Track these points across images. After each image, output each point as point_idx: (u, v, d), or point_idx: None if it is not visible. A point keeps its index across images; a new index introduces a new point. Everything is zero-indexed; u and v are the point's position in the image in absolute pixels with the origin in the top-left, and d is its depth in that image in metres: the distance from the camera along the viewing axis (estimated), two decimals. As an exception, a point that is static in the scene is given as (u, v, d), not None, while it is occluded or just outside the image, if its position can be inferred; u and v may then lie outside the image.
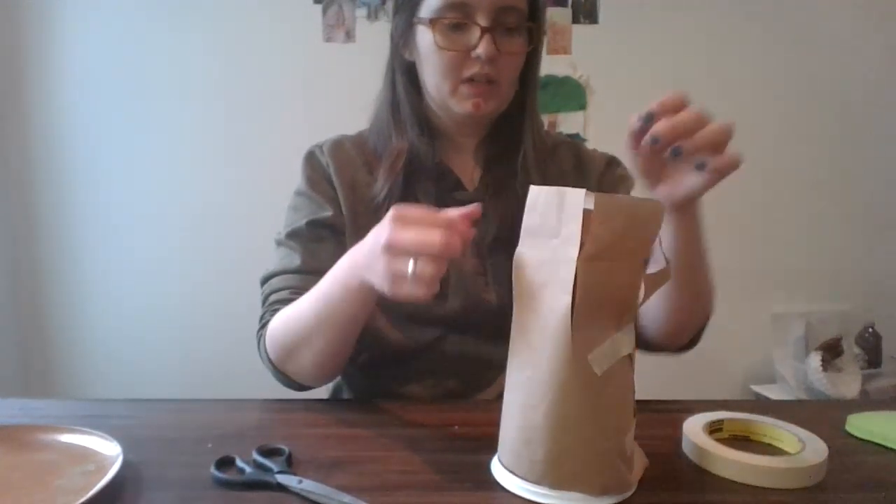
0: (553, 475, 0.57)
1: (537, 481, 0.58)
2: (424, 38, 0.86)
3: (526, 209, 0.60)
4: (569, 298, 0.55)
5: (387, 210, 0.88)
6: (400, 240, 0.60)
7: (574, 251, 0.55)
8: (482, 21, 0.82)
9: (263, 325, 0.87)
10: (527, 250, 0.59)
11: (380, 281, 0.63)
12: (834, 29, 2.10)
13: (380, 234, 0.62)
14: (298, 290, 0.86)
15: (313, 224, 0.91)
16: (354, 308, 0.73)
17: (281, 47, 2.04)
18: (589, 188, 0.56)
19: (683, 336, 0.88)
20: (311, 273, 0.87)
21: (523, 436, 0.59)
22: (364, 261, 0.66)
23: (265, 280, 0.91)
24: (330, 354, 0.79)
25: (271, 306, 0.87)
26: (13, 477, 0.61)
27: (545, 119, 2.06)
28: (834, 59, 2.11)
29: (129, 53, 2.03)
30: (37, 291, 2.12)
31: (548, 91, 2.05)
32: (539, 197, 0.58)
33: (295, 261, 0.89)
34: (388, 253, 0.61)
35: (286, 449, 0.66)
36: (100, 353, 2.14)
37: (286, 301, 0.85)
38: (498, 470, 0.62)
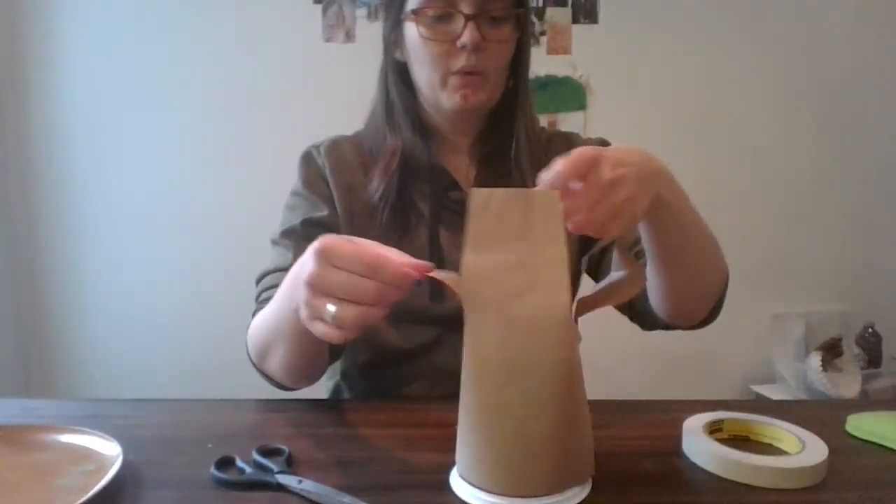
0: (556, 480, 0.57)
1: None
2: (411, 32, 0.86)
3: (472, 213, 0.55)
4: (566, 297, 0.54)
5: (383, 211, 0.90)
6: (324, 281, 0.54)
7: (561, 251, 0.54)
8: (466, 9, 0.82)
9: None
10: (484, 256, 0.54)
11: (301, 312, 0.58)
12: (834, 28, 2.10)
13: (305, 263, 0.57)
14: None
15: (308, 223, 0.91)
16: (298, 328, 0.64)
17: (281, 47, 2.04)
18: None
19: (699, 312, 0.83)
20: None
21: (529, 448, 0.55)
22: (292, 283, 0.63)
23: (259, 278, 0.92)
24: (294, 362, 0.76)
25: (261, 305, 0.86)
26: (13, 477, 0.61)
27: (545, 119, 2.06)
28: (834, 58, 2.11)
29: (129, 53, 2.03)
30: (37, 291, 2.12)
31: (548, 91, 2.05)
32: (492, 199, 0.55)
33: (288, 259, 0.88)
34: (310, 290, 0.55)
35: (286, 449, 0.66)
36: (100, 353, 2.14)
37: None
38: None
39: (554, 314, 0.54)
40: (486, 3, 0.83)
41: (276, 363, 0.77)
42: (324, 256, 0.55)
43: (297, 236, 0.90)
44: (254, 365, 0.83)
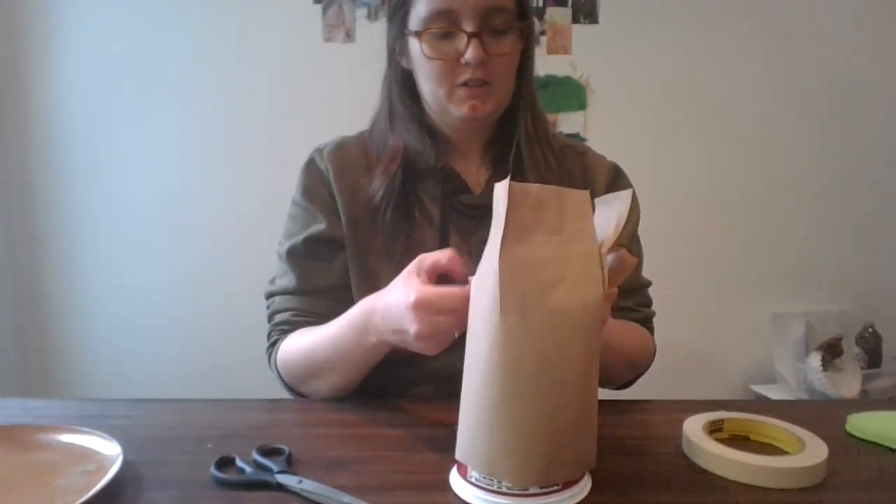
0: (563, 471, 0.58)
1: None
2: (415, 48, 0.86)
3: (509, 206, 0.55)
4: (600, 289, 0.55)
5: (384, 212, 0.90)
6: (435, 331, 0.65)
7: (592, 246, 0.56)
8: (468, 27, 0.82)
9: (273, 344, 0.91)
10: (520, 248, 0.56)
11: (424, 350, 0.68)
12: (836, 29, 2.10)
13: (404, 320, 0.66)
14: (299, 312, 0.91)
15: (308, 241, 0.92)
16: (369, 357, 0.80)
17: (281, 47, 2.04)
18: (596, 197, 0.57)
19: (609, 387, 0.94)
20: (307, 294, 0.92)
21: (560, 437, 0.56)
22: (385, 326, 0.72)
23: (269, 295, 0.95)
24: (345, 386, 0.85)
25: (277, 326, 0.92)
26: (13, 477, 0.61)
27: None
28: (835, 59, 2.11)
29: (129, 53, 2.03)
30: (37, 291, 2.12)
31: (548, 91, 2.05)
32: (528, 193, 0.56)
33: (293, 282, 0.92)
34: (425, 341, 0.66)
35: (286, 449, 0.66)
36: (100, 353, 2.14)
37: (290, 322, 0.90)
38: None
39: (588, 305, 0.55)
40: (489, 19, 0.83)
41: (322, 387, 0.85)
42: (423, 309, 0.65)
43: (299, 256, 0.93)
44: (286, 385, 0.90)
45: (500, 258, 0.55)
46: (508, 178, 0.57)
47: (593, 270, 0.56)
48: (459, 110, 0.86)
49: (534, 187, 0.57)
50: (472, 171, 0.95)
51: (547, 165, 0.92)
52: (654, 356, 0.97)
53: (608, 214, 0.61)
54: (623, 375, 0.94)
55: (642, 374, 0.96)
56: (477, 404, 0.57)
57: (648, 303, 1.00)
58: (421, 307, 0.64)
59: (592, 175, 0.97)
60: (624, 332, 0.89)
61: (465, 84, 0.85)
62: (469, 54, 0.82)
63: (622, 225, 0.60)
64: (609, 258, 0.61)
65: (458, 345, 0.62)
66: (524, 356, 0.55)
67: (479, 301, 0.58)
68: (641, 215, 1.00)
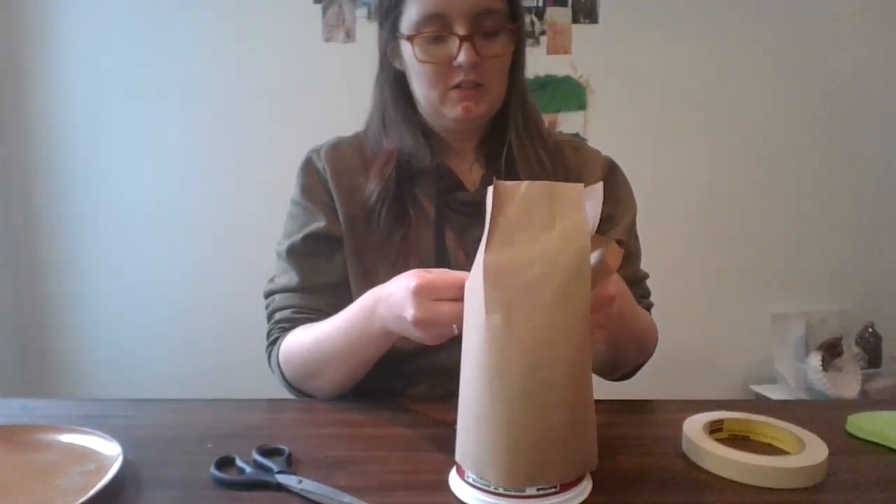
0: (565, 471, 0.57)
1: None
2: (407, 52, 0.87)
3: (496, 205, 0.56)
4: (587, 287, 0.55)
5: (380, 213, 0.90)
6: (432, 317, 0.65)
7: (583, 243, 0.55)
8: (460, 30, 0.82)
9: (273, 342, 0.91)
10: (506, 248, 0.56)
11: (422, 339, 0.69)
12: (836, 28, 2.09)
13: (404, 305, 0.66)
14: (300, 309, 0.91)
15: (308, 238, 0.92)
16: (373, 348, 0.80)
17: (281, 47, 2.04)
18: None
19: (616, 374, 0.96)
20: (308, 291, 0.92)
21: (548, 436, 0.56)
22: (388, 313, 0.72)
23: (268, 294, 0.95)
24: (347, 381, 0.85)
25: (277, 324, 0.92)
26: (13, 477, 0.61)
27: (545, 119, 2.06)
28: (835, 59, 2.11)
29: (129, 53, 2.03)
30: (37, 291, 2.12)
31: (548, 91, 2.05)
32: (517, 191, 0.57)
33: (293, 279, 0.92)
34: (423, 329, 0.66)
35: (286, 449, 0.66)
36: (100, 353, 2.14)
37: (290, 320, 0.90)
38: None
39: (575, 305, 0.55)
40: (480, 22, 0.83)
41: (326, 383, 0.85)
42: (423, 295, 0.65)
43: (299, 254, 0.93)
44: (287, 382, 0.89)
45: (484, 259, 0.55)
46: (500, 177, 0.57)
47: (582, 268, 0.55)
48: (453, 112, 0.87)
49: (522, 185, 0.57)
50: (466, 169, 0.95)
51: (539, 162, 0.93)
52: (657, 341, 0.98)
53: (589, 209, 0.61)
54: (634, 357, 0.93)
55: (647, 359, 0.96)
56: (468, 404, 0.58)
57: (647, 294, 1.01)
58: (421, 292, 0.65)
59: (588, 170, 0.98)
60: (636, 314, 0.89)
61: (458, 86, 0.85)
62: (461, 57, 0.83)
63: (597, 221, 0.59)
64: (593, 255, 0.61)
65: (457, 341, 0.61)
66: (509, 356, 0.55)
67: (470, 301, 0.58)
68: (642, 215, 1.01)
